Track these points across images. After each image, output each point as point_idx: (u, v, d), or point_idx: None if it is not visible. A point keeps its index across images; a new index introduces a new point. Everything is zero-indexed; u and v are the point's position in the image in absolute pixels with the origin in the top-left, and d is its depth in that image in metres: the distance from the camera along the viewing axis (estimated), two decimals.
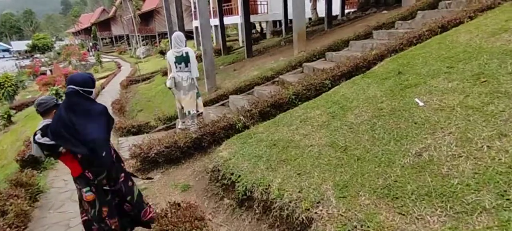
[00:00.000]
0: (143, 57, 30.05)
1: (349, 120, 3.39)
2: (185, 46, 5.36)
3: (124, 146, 5.67)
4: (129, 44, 42.79)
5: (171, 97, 9.88)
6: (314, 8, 20.29)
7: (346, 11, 25.17)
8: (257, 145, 3.59)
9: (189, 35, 23.79)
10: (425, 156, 2.43)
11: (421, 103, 3.12)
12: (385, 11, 11.24)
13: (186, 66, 5.35)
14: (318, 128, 3.50)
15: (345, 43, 7.45)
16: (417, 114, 2.97)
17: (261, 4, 23.58)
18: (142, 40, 38.96)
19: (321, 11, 22.46)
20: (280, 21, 28.10)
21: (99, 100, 12.93)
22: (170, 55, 5.31)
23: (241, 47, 19.05)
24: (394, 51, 5.16)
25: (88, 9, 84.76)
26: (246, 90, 7.00)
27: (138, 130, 6.46)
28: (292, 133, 3.59)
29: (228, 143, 4.02)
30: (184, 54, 5.30)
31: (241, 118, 4.94)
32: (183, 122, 5.79)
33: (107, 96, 13.45)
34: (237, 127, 4.83)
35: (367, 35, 7.46)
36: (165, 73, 14.73)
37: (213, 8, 25.04)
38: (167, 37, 37.87)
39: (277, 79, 6.93)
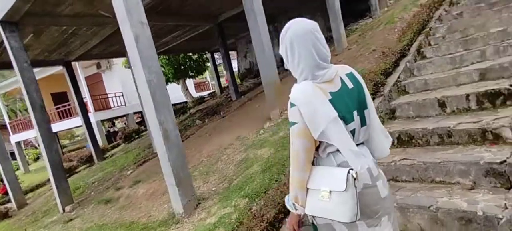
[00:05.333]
0: None
1: None
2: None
3: None
4: None
5: None
6: (186, 89, 17.35)
7: (200, 94, 23.57)
8: None
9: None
10: None
11: None
12: None
13: (364, 123, 1.37)
14: None
15: None
16: None
17: (115, 97, 18.50)
18: None
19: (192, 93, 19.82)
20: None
21: None
22: (318, 96, 1.26)
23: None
24: None
25: None
26: None
27: None
28: None
29: None
30: (350, 85, 1.36)
31: None
32: None
33: None
34: None
35: None
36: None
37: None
38: None
39: None
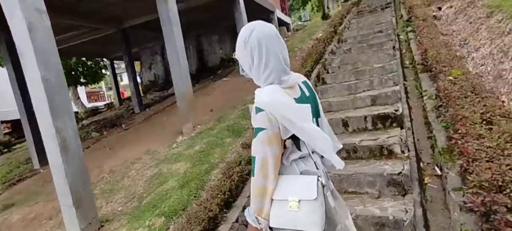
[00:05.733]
0: None
1: None
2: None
3: None
4: None
5: None
6: (78, 97, 14.99)
7: (93, 104, 21.02)
8: None
9: None
10: None
11: None
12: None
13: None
14: None
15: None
16: None
17: None
18: None
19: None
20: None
21: None
22: (287, 100, 1.20)
23: None
24: None
25: None
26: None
27: None
28: None
29: None
30: (307, 93, 1.36)
31: None
32: None
33: None
34: None
35: None
36: None
37: None
38: None
39: None
